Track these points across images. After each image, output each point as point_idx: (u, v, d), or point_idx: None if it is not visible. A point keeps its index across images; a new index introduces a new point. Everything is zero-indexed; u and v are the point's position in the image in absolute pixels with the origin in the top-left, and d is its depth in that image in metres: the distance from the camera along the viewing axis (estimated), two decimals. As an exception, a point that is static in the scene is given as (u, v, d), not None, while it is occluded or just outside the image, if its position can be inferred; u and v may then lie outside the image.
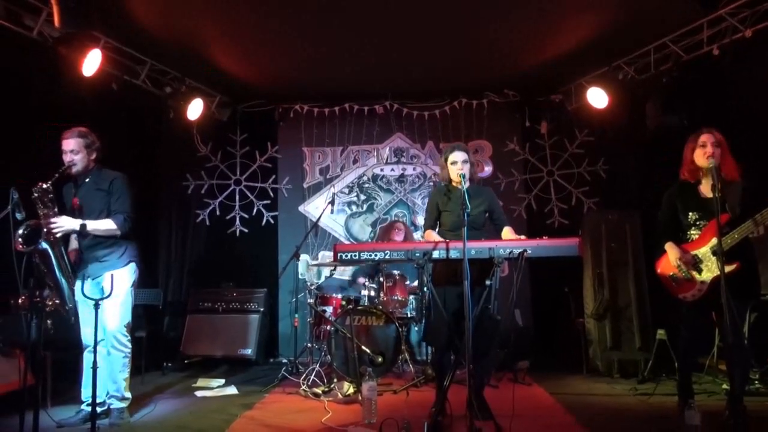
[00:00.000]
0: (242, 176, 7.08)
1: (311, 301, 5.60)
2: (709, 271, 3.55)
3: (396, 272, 5.55)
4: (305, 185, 7.07)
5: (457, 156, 3.81)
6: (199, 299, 6.32)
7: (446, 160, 3.87)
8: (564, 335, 5.99)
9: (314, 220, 6.52)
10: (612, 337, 5.38)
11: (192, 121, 6.31)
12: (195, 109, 6.18)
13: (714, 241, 3.50)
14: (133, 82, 5.66)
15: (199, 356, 6.04)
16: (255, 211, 7.02)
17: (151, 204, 6.62)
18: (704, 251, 3.59)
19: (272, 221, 7.02)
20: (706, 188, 3.66)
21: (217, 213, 7.02)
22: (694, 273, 3.61)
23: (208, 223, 7.00)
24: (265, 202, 7.03)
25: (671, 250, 3.71)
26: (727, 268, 3.35)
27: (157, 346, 5.82)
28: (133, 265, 4.00)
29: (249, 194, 7.05)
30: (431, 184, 6.91)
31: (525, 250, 3.38)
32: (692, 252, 3.63)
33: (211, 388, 4.98)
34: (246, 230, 7.00)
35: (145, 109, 6.16)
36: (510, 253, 3.40)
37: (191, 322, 6.21)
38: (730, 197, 3.47)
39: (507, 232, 3.80)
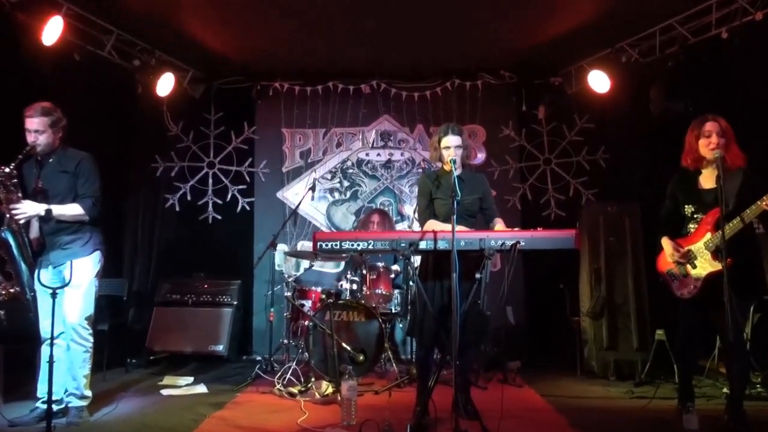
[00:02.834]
0: (216, 158, 7.03)
1: (288, 294, 5.59)
2: (702, 267, 3.59)
3: (380, 264, 5.56)
4: (284, 169, 7.04)
5: (451, 140, 3.80)
6: (167, 290, 6.30)
7: (439, 141, 3.86)
8: (558, 334, 6.05)
9: (293, 207, 6.49)
10: (608, 337, 5.44)
11: (162, 98, 6.25)
12: (165, 85, 6.11)
13: (708, 235, 3.55)
14: (97, 53, 5.58)
15: (166, 352, 6.01)
16: (229, 196, 6.98)
17: (117, 187, 6.52)
18: (698, 246, 3.62)
19: (248, 208, 6.98)
20: (705, 179, 3.69)
21: (189, 198, 6.97)
22: (689, 269, 3.65)
23: (178, 208, 6.95)
24: (240, 187, 6.99)
25: (666, 245, 3.77)
26: (719, 265, 3.40)
27: (120, 341, 5.77)
28: (98, 254, 3.97)
29: (223, 178, 7.01)
30: (420, 170, 6.92)
31: (518, 242, 3.39)
32: (686, 247, 3.68)
33: (179, 387, 4.96)
34: (219, 217, 6.96)
35: (110, 83, 6.07)
36: (502, 244, 3.41)
37: (158, 315, 6.18)
38: (727, 189, 3.45)
39: (498, 227, 3.81)
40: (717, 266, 3.46)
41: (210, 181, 7.01)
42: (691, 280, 3.64)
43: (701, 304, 3.62)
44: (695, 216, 3.68)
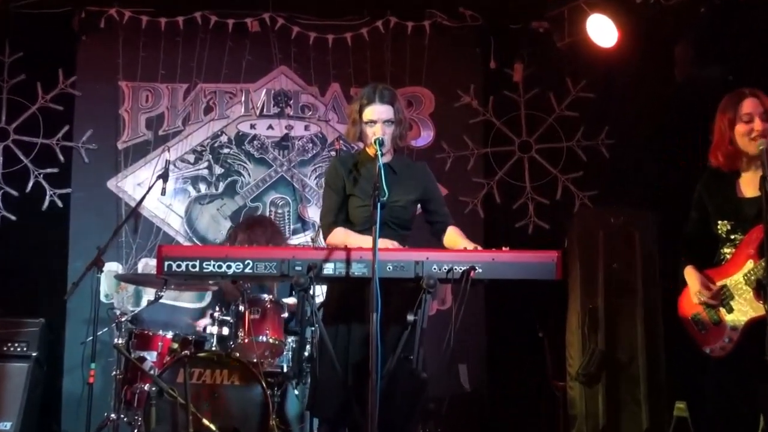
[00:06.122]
0: (11, 125, 6.90)
1: (121, 341, 5.49)
2: (741, 311, 3.68)
3: (266, 297, 5.54)
4: (121, 145, 6.97)
5: (378, 111, 3.81)
6: None
7: (360, 111, 3.86)
8: (534, 406, 6.15)
9: (133, 204, 6.42)
10: (606, 411, 5.56)
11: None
12: (-71, 4, 5.91)
13: (749, 264, 3.63)
14: None
15: None
16: (31, 184, 6.85)
17: None
18: (735, 280, 3.70)
19: (60, 204, 6.87)
20: (746, 183, 3.77)
21: (-36, 186, 6.83)
22: (723, 314, 3.75)
23: (-55, 202, 6.80)
24: (49, 170, 6.88)
25: (691, 279, 3.84)
26: (762, 309, 3.50)
27: None
28: None
29: (22, 156, 6.87)
30: (333, 152, 6.90)
31: (473, 268, 3.41)
32: (719, 282, 3.77)
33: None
34: (13, 217, 6.81)
35: None
36: (449, 271, 3.42)
37: None
38: None
39: (453, 236, 3.85)
40: (761, 309, 3.55)
41: (0, 159, 6.83)
42: (725, 329, 3.73)
43: (739, 365, 3.72)
44: (732, 236, 3.77)
